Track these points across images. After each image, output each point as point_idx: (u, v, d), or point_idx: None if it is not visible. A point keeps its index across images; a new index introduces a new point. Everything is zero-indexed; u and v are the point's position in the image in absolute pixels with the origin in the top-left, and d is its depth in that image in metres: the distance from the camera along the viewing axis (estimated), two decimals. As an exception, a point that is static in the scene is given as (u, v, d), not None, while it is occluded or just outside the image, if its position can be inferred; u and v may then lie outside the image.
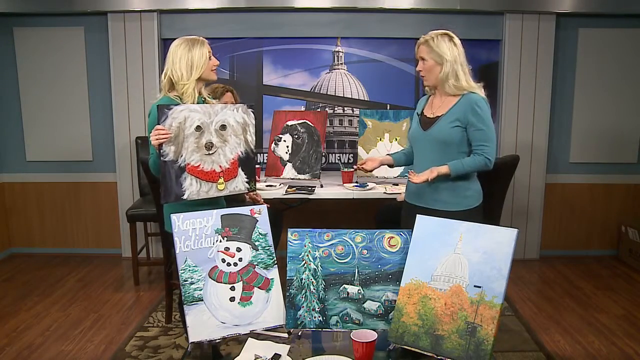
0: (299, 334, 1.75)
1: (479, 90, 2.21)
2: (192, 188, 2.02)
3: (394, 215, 2.52)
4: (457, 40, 2.24)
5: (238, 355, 1.61)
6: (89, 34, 4.07)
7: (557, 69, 4.06)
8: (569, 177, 4.23)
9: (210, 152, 2.04)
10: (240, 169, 2.13)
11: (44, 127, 4.18)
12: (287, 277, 1.77)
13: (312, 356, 1.58)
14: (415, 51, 2.27)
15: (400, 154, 2.50)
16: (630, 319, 3.12)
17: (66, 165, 4.24)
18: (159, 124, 1.93)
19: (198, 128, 2.00)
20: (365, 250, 1.79)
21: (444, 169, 2.16)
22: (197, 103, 2.11)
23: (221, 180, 2.08)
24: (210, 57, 2.16)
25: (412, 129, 2.35)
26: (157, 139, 1.93)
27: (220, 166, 2.07)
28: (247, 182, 2.15)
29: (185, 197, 2.01)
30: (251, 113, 2.14)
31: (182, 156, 1.99)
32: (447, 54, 2.18)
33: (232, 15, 3.99)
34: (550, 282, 3.75)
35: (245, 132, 2.13)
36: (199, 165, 2.02)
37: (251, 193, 2.24)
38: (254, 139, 2.17)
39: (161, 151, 1.96)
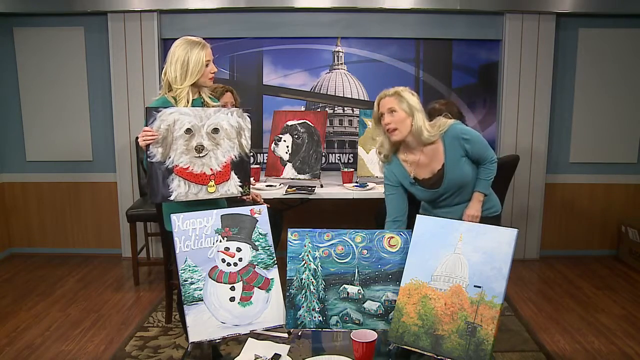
0: (299, 334, 1.75)
1: (448, 122, 2.19)
2: (179, 189, 2.02)
3: None
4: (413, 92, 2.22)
5: (238, 355, 1.61)
6: (89, 34, 4.06)
7: (557, 69, 4.06)
8: (569, 177, 4.23)
9: (201, 155, 2.03)
10: (233, 173, 2.11)
11: (44, 127, 4.18)
12: (287, 277, 1.77)
13: (312, 356, 1.58)
14: (377, 105, 2.19)
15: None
16: (630, 319, 3.12)
17: (66, 165, 4.24)
18: (146, 126, 1.96)
19: (188, 131, 2.00)
20: (365, 250, 1.79)
21: (481, 197, 2.23)
22: (194, 106, 2.10)
23: (212, 183, 2.07)
24: (207, 64, 2.11)
25: (421, 196, 2.28)
26: (143, 140, 1.96)
27: (211, 169, 2.06)
28: (240, 186, 2.13)
29: (172, 197, 2.02)
30: (247, 117, 2.12)
31: (170, 158, 1.99)
32: (417, 105, 2.16)
33: (232, 15, 3.99)
34: (550, 282, 3.75)
35: (239, 136, 2.11)
36: (188, 167, 2.02)
37: (247, 195, 2.23)
38: (250, 143, 2.14)
39: (148, 152, 1.98)
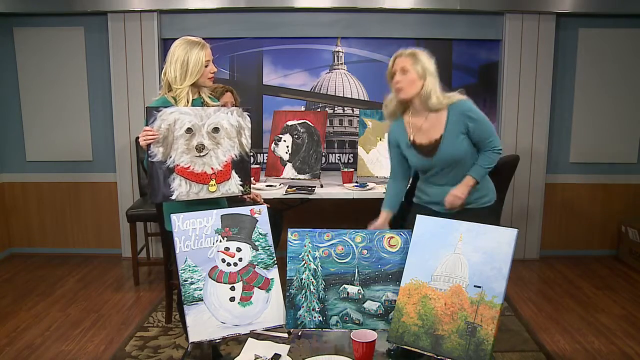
0: (299, 334, 1.75)
1: (460, 96, 2.17)
2: (181, 189, 2.02)
3: (393, 215, 2.51)
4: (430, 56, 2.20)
5: (238, 355, 1.61)
6: (89, 34, 4.07)
7: (557, 69, 4.06)
8: (569, 177, 4.23)
9: (202, 154, 2.04)
10: (233, 172, 2.11)
11: (44, 127, 4.18)
12: (287, 277, 1.77)
13: (312, 356, 1.58)
14: (392, 63, 2.19)
15: (393, 201, 2.33)
16: (630, 319, 3.12)
17: (66, 165, 4.24)
18: (147, 126, 1.96)
19: (189, 130, 2.01)
20: (365, 250, 1.79)
21: (470, 182, 2.16)
22: (194, 105, 2.11)
23: (213, 182, 2.07)
24: (207, 64, 2.11)
25: (414, 161, 2.26)
26: (144, 140, 1.96)
27: (212, 168, 2.07)
28: (240, 185, 2.14)
29: (173, 197, 2.02)
30: (247, 117, 2.12)
31: (170, 157, 2.00)
32: (431, 68, 2.15)
33: (232, 15, 3.99)
34: (550, 282, 3.76)
35: (240, 135, 2.11)
36: (189, 167, 2.03)
37: (247, 195, 2.23)
38: (250, 142, 2.15)
39: (149, 152, 1.98)
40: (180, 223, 1.73)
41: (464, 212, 2.15)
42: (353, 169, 3.57)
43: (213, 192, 2.08)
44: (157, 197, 2.02)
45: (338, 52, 4.10)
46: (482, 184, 2.22)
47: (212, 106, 2.15)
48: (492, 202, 2.28)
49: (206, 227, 1.75)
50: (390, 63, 2.19)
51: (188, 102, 2.10)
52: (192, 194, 2.05)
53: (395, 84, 2.15)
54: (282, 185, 3.42)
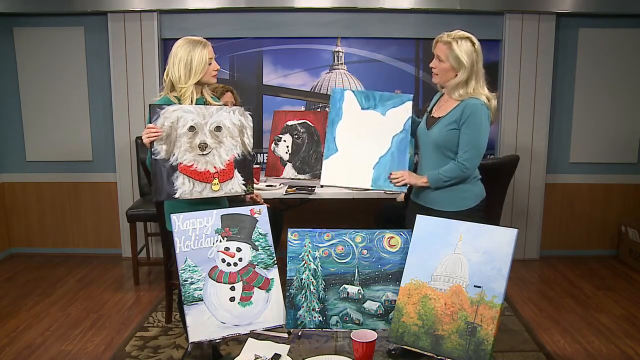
0: (299, 334, 1.75)
1: (487, 98, 2.14)
2: (184, 187, 2.02)
3: (393, 215, 2.52)
4: (478, 45, 2.15)
5: (238, 355, 1.61)
6: (89, 34, 4.06)
7: (557, 69, 4.06)
8: (569, 177, 4.23)
9: (204, 153, 2.04)
10: (236, 171, 2.11)
11: (44, 127, 4.18)
12: (287, 277, 1.78)
13: (312, 356, 1.58)
14: (433, 46, 2.21)
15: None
16: (630, 319, 3.12)
17: (66, 165, 4.24)
18: (150, 123, 1.96)
19: (191, 128, 2.01)
20: (365, 250, 1.80)
21: (424, 179, 2.19)
22: (197, 104, 2.11)
23: (216, 181, 2.07)
24: (210, 62, 2.14)
25: (420, 126, 2.33)
26: (147, 137, 1.97)
27: (214, 167, 2.07)
28: (243, 184, 2.14)
29: (177, 195, 2.02)
30: (249, 116, 2.12)
31: (174, 155, 2.00)
32: (466, 61, 2.11)
33: (232, 15, 3.99)
34: (550, 282, 3.76)
35: (242, 135, 2.11)
36: (192, 165, 2.03)
37: (251, 194, 2.23)
38: (252, 141, 2.15)
39: (152, 149, 1.98)
40: (180, 223, 1.73)
41: (436, 214, 2.05)
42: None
43: (216, 191, 2.08)
44: (161, 195, 2.01)
45: (338, 52, 4.10)
46: (461, 187, 2.18)
47: (215, 105, 2.16)
48: (468, 208, 2.20)
49: (206, 227, 1.75)
50: (434, 44, 2.22)
51: (192, 101, 2.11)
52: (196, 193, 2.04)
53: (431, 69, 2.22)
54: (282, 185, 3.42)
